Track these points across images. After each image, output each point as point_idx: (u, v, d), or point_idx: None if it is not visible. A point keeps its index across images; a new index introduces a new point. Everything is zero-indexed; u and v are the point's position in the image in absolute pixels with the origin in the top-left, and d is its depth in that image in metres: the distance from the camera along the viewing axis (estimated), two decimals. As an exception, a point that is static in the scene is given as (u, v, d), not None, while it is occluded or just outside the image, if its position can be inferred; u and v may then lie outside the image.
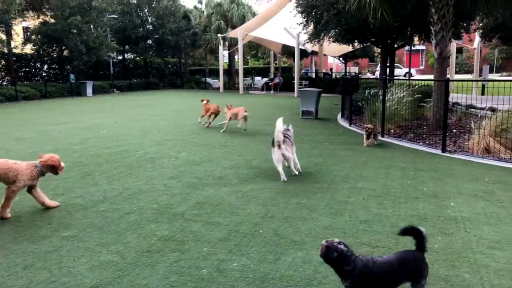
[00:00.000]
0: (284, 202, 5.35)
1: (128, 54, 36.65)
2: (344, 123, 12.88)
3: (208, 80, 36.03)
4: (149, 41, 34.54)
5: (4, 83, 27.03)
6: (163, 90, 33.15)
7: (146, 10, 33.56)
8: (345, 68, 37.99)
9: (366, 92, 12.38)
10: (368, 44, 21.35)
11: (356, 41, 18.86)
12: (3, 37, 23.92)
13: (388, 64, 18.81)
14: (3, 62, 26.91)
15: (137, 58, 36.99)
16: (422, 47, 42.87)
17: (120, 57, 36.10)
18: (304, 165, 7.33)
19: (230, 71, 37.69)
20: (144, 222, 4.71)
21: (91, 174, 6.83)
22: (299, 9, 16.99)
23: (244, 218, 4.78)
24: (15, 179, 4.80)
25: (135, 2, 32.94)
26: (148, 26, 34.09)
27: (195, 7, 39.07)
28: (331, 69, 40.29)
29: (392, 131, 10.80)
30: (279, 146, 6.27)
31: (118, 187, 6.09)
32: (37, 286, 3.35)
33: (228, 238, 4.24)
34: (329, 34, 17.54)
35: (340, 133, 11.21)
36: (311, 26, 17.42)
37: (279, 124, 6.31)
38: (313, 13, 16.18)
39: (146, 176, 6.70)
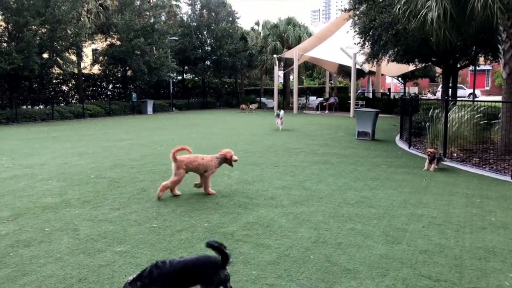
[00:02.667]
0: (337, 227, 5.14)
1: (187, 74, 38.01)
2: (403, 145, 12.36)
3: (263, 100, 36.40)
4: (207, 62, 35.63)
5: (73, 101, 28.92)
6: (219, 110, 33.87)
7: (205, 32, 34.73)
8: (404, 88, 36.86)
9: (428, 114, 11.85)
10: (429, 64, 20.58)
11: (416, 60, 18.24)
12: (74, 58, 25.71)
13: (450, 85, 17.97)
14: (73, 81, 28.85)
15: (196, 78, 38.22)
16: (487, 67, 40.72)
17: (179, 77, 37.50)
18: (359, 188, 7.07)
19: (285, 91, 37.86)
20: (194, 240, 4.70)
21: (146, 190, 7.00)
22: (356, 29, 16.76)
23: (295, 242, 4.64)
24: (206, 169, 6.46)
25: (195, 24, 34.23)
26: (206, 48, 35.21)
27: (252, 29, 39.87)
28: (389, 89, 39.26)
29: (455, 154, 10.19)
30: (278, 115, 15.99)
31: (171, 204, 6.17)
32: (89, 300, 3.41)
33: (277, 262, 4.11)
34: (388, 54, 17.13)
35: (399, 155, 10.75)
36: (368, 46, 17.10)
37: (282, 112, 16.27)
38: (370, 33, 15.89)
39: (199, 193, 6.75)
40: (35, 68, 21.21)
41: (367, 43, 16.65)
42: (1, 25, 21.54)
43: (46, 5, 21.63)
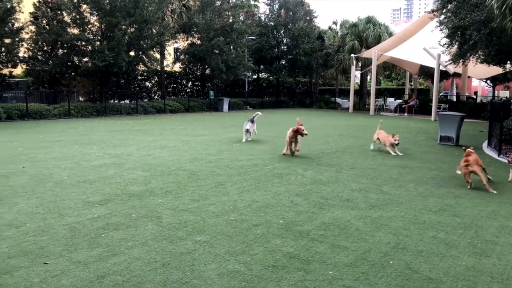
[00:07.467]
0: (418, 234, 4.91)
1: (262, 73, 38.45)
2: (491, 153, 11.48)
3: (338, 100, 35.74)
4: (283, 61, 35.75)
5: (155, 97, 30.58)
6: (292, 109, 33.84)
7: (282, 32, 34.88)
8: (493, 92, 34.16)
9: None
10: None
11: (509, 62, 16.83)
12: (158, 56, 27.15)
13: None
14: (156, 78, 30.52)
15: (270, 77, 38.54)
16: None
17: (254, 76, 38.04)
18: (442, 195, 6.69)
19: (361, 92, 36.83)
20: (270, 236, 4.76)
21: (223, 184, 7.21)
22: (442, 29, 15.84)
23: (373, 246, 4.51)
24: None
25: (272, 24, 34.49)
26: (282, 47, 35.34)
27: (330, 28, 39.28)
28: (475, 93, 36.66)
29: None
30: (252, 121, 13.10)
31: (247, 198, 6.30)
32: (172, 285, 3.59)
33: (355, 265, 4.02)
34: (477, 55, 15.97)
35: (486, 163, 9.93)
36: (455, 47, 16.08)
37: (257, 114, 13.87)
38: (459, 33, 14.92)
39: (273, 190, 6.81)
40: (123, 65, 22.75)
41: (454, 43, 15.66)
42: (96, 25, 23.36)
43: (136, 6, 23.08)
